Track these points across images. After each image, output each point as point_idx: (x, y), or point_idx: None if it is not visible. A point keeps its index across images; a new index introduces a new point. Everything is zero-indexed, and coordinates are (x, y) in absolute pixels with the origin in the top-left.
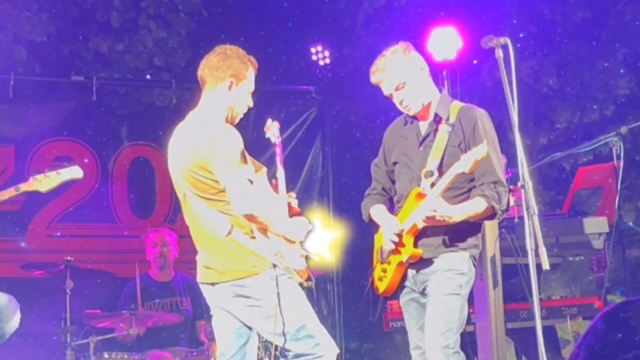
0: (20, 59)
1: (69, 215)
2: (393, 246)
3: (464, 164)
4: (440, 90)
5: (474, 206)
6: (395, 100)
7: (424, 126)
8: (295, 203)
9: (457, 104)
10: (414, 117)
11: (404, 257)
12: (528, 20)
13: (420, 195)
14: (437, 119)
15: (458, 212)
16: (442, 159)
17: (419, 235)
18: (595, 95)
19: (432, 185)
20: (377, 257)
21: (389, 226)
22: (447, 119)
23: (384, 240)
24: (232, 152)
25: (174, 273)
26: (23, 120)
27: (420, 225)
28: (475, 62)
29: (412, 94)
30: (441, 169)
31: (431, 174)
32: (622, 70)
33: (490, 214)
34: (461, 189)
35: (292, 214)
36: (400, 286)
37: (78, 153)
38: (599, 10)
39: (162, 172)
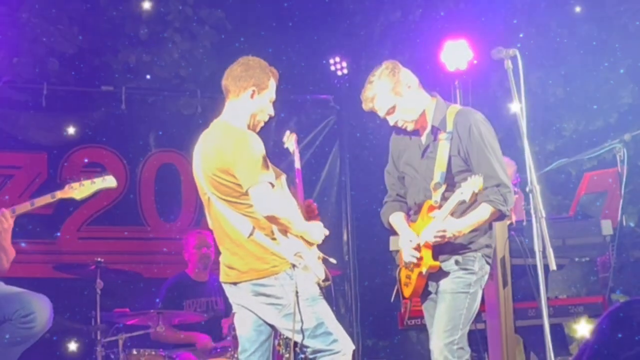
0: (52, 70)
1: (99, 219)
2: (414, 260)
3: (465, 192)
4: (433, 95)
5: (481, 213)
6: (390, 123)
7: (423, 136)
8: (314, 208)
9: (453, 109)
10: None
11: (423, 269)
12: (536, 33)
13: (432, 208)
14: (435, 130)
15: (467, 224)
16: (447, 169)
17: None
18: (599, 104)
19: (444, 195)
20: (401, 260)
21: (406, 240)
22: (445, 128)
23: (402, 253)
24: (254, 157)
25: (209, 274)
26: (55, 128)
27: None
28: (485, 73)
29: (404, 114)
30: (448, 179)
31: (439, 185)
32: (625, 81)
33: (499, 216)
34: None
35: (311, 217)
36: (425, 291)
37: (108, 159)
38: (603, 23)
39: (188, 178)
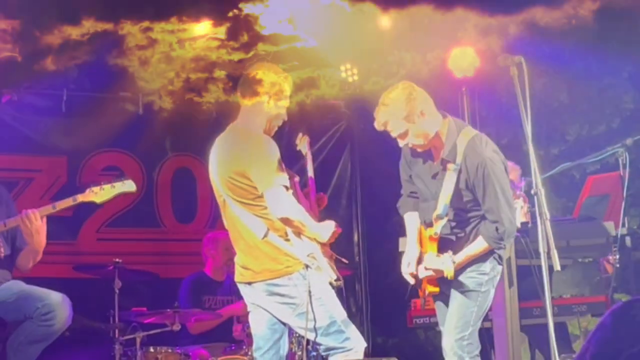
0: (72, 76)
1: (117, 221)
2: (410, 281)
3: (445, 264)
4: (445, 116)
5: (477, 246)
6: (401, 145)
7: (436, 162)
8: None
9: (465, 136)
10: None
11: (425, 292)
12: (541, 40)
13: (433, 239)
14: (445, 162)
15: (463, 258)
16: (451, 202)
17: (444, 245)
18: (602, 109)
19: (450, 226)
20: None
21: (405, 262)
22: (454, 160)
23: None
24: (270, 160)
25: (226, 274)
26: (75, 133)
27: None
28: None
29: (415, 139)
30: (457, 204)
31: (441, 217)
32: (627, 86)
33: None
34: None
35: (321, 208)
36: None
37: (125, 163)
38: (606, 29)
39: (203, 181)
